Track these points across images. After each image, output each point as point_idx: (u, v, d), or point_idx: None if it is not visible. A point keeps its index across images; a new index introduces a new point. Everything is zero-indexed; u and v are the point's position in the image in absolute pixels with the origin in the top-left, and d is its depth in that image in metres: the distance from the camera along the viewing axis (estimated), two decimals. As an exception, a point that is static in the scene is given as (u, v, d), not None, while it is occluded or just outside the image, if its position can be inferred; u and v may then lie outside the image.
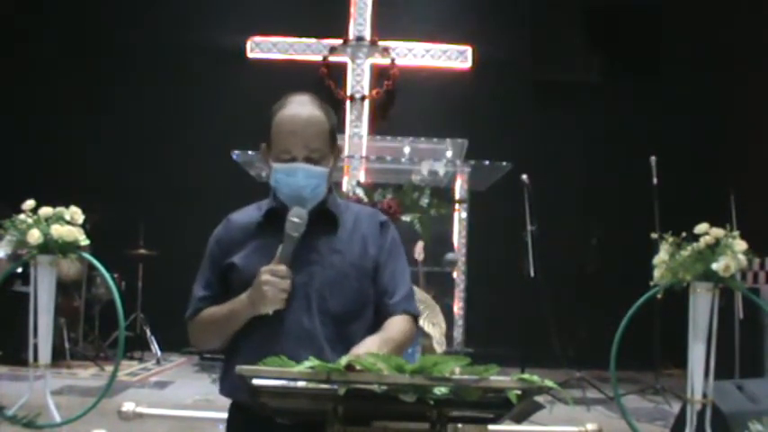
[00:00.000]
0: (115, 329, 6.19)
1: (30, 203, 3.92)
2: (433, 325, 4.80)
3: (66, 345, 6.38)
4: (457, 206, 6.80)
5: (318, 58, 8.07)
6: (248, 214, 2.00)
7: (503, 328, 6.82)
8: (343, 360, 1.38)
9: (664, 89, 7.72)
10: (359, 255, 1.92)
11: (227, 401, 1.95)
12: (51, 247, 3.87)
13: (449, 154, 6.90)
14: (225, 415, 1.98)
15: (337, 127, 2.01)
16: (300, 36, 8.08)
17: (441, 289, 6.30)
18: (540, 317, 6.07)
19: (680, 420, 3.89)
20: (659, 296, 4.42)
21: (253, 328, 1.85)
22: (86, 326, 6.95)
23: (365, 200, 5.69)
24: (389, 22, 8.09)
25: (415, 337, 2.05)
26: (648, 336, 5.78)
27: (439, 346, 4.79)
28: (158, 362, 6.87)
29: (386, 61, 8.09)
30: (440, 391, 1.34)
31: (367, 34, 8.08)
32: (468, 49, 8.07)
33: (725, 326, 5.04)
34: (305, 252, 1.86)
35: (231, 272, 1.92)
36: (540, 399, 1.40)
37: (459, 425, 1.54)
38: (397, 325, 1.89)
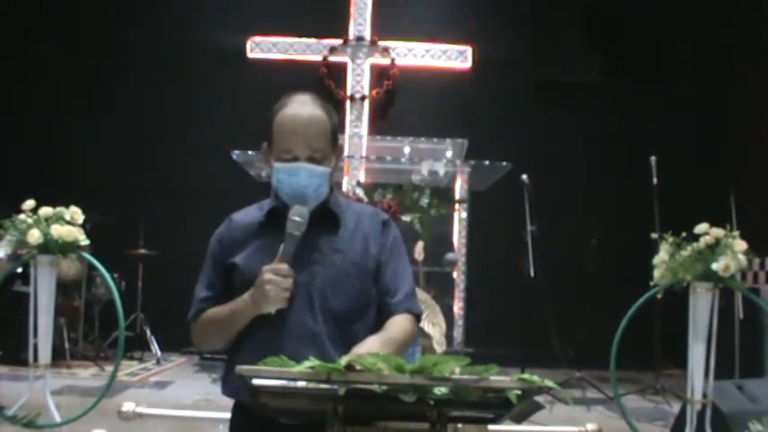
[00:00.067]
0: (115, 329, 6.19)
1: (30, 203, 3.93)
2: (433, 325, 4.80)
3: (66, 345, 6.38)
4: (457, 206, 6.81)
5: (318, 58, 8.07)
6: (250, 214, 2.00)
7: (503, 328, 6.81)
8: (344, 360, 1.38)
9: (664, 89, 7.72)
10: (361, 254, 1.91)
11: (227, 401, 1.95)
12: (51, 247, 3.88)
13: (449, 154, 6.91)
14: (225, 415, 1.98)
15: (338, 127, 2.01)
16: (300, 36, 8.08)
17: (441, 289, 6.31)
18: (540, 317, 6.07)
19: (680, 420, 3.89)
20: (659, 296, 4.42)
21: (255, 327, 1.85)
22: (86, 326, 6.95)
23: (365, 200, 5.69)
24: (389, 22, 8.09)
25: (416, 337, 2.04)
26: (648, 336, 5.78)
27: (439, 346, 4.79)
28: (158, 362, 6.87)
29: (386, 61, 8.09)
30: (440, 391, 1.34)
31: (367, 34, 8.08)
32: (468, 49, 8.07)
33: (725, 326, 5.04)
34: (307, 251, 1.86)
35: (233, 272, 1.92)
36: (540, 399, 1.40)
37: (459, 425, 1.54)
38: (398, 324, 1.89)
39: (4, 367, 5.93)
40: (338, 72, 8.09)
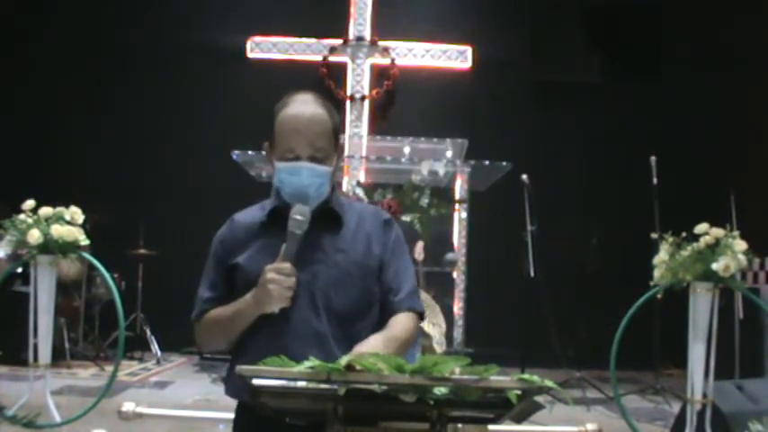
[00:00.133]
0: (115, 329, 6.19)
1: (30, 203, 3.93)
2: (433, 325, 4.80)
3: (67, 345, 6.38)
4: (457, 206, 6.81)
5: (318, 58, 8.08)
6: (252, 214, 2.00)
7: (503, 328, 6.82)
8: (344, 360, 1.38)
9: (664, 89, 7.72)
10: (363, 253, 1.91)
11: (226, 401, 1.95)
12: (51, 247, 3.88)
13: (449, 154, 6.91)
14: (225, 415, 1.98)
15: (340, 126, 2.01)
16: (300, 36, 8.08)
17: (441, 289, 6.31)
18: (540, 317, 6.07)
19: (680, 420, 3.89)
20: (659, 296, 4.43)
21: (259, 327, 1.85)
22: (86, 326, 6.95)
23: (365, 200, 5.70)
24: (389, 22, 8.09)
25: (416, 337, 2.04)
26: (648, 336, 5.78)
27: (439, 346, 4.79)
28: (158, 362, 6.87)
29: (386, 61, 8.09)
30: (440, 391, 1.34)
31: (367, 34, 8.09)
32: (468, 49, 8.07)
33: (725, 326, 5.04)
34: (309, 251, 1.86)
35: (236, 272, 1.92)
36: (540, 399, 1.40)
37: (459, 425, 1.54)
38: (401, 322, 1.89)
39: (4, 367, 5.93)
40: (338, 72, 8.10)
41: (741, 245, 3.60)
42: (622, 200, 7.40)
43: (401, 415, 1.41)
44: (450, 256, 6.52)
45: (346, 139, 7.65)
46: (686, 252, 3.64)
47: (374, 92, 8.07)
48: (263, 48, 8.13)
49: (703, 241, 3.61)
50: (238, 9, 8.12)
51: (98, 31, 7.94)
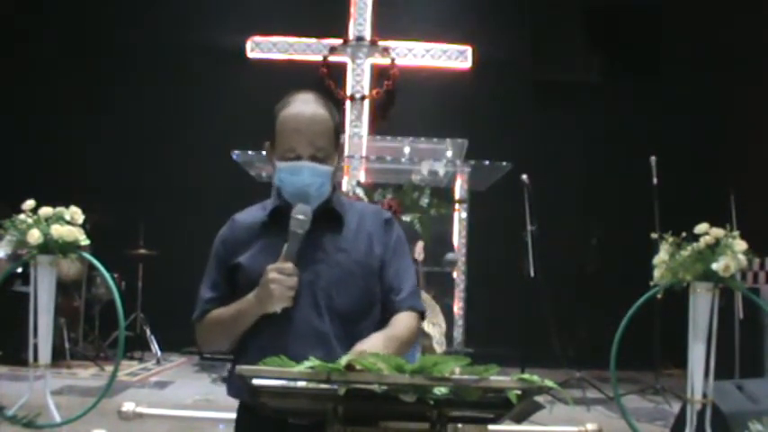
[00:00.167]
0: (115, 329, 6.19)
1: (30, 203, 3.93)
2: (433, 325, 4.80)
3: (67, 345, 6.38)
4: (457, 206, 6.80)
5: (318, 58, 8.08)
6: (253, 214, 2.00)
7: (503, 328, 6.81)
8: (344, 360, 1.38)
9: (664, 89, 7.72)
10: (364, 253, 1.91)
11: (227, 401, 1.95)
12: (51, 247, 3.88)
13: (449, 154, 6.90)
14: (225, 415, 1.98)
15: (340, 126, 2.00)
16: (300, 36, 8.08)
17: (441, 289, 6.30)
18: (540, 317, 6.07)
19: (680, 420, 3.89)
20: (659, 296, 4.42)
21: (261, 327, 1.84)
22: (86, 326, 6.95)
23: (365, 200, 5.70)
24: (389, 22, 8.09)
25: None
26: (648, 336, 5.78)
27: (439, 346, 4.79)
28: (158, 362, 6.87)
29: (386, 61, 8.09)
30: (440, 391, 1.34)
31: (367, 34, 8.09)
32: (468, 49, 8.07)
33: (725, 326, 5.04)
34: (310, 251, 1.85)
35: (237, 272, 1.91)
36: (540, 399, 1.40)
37: (459, 425, 1.54)
38: (402, 322, 1.90)
39: (4, 367, 5.93)
40: (338, 72, 8.10)
41: (741, 245, 3.60)
42: (622, 200, 7.40)
43: (401, 415, 1.41)
44: (450, 256, 6.52)
45: (346, 139, 7.65)
46: (686, 252, 3.64)
47: (374, 92, 8.07)
48: (263, 48, 8.13)
49: (703, 241, 3.61)
50: (238, 9, 8.12)
51: (98, 31, 7.94)
